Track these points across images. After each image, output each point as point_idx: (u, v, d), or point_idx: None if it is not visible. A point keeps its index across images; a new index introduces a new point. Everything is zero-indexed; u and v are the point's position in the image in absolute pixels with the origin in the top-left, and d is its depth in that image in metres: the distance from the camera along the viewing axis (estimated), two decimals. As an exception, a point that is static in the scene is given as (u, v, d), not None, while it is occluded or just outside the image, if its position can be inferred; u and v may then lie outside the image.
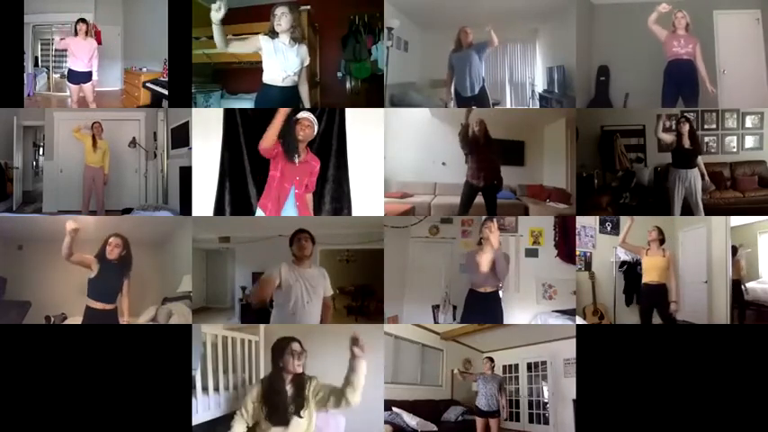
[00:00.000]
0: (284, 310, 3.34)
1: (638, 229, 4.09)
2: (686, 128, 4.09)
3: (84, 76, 4.24)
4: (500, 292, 3.77)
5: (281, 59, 3.64)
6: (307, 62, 3.74)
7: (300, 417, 2.99)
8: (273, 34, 3.63)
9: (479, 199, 4.20)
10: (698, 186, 4.09)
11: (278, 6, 3.63)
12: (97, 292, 3.54)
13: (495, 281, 3.71)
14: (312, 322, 3.40)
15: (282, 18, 3.58)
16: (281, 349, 3.06)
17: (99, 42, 4.38)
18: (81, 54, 4.23)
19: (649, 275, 4.00)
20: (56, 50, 4.42)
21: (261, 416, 3.01)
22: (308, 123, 3.47)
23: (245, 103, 4.33)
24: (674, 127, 4.30)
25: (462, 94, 4.38)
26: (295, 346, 3.05)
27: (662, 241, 3.99)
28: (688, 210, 4.09)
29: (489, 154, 4.16)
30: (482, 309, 3.74)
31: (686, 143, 4.10)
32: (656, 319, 3.97)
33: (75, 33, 4.19)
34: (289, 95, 3.73)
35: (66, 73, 4.31)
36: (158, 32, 3.80)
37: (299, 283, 3.35)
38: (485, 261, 3.67)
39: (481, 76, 4.36)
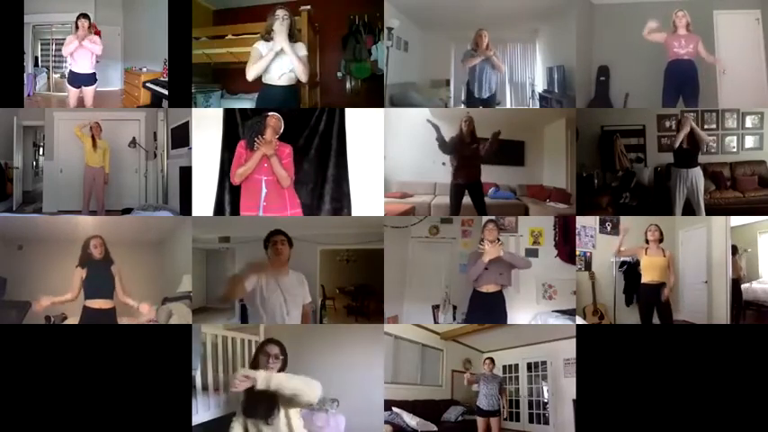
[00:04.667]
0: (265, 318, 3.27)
1: (635, 229, 4.10)
2: (687, 126, 4.09)
3: (86, 79, 4.16)
4: (504, 292, 3.79)
5: (276, 59, 3.70)
6: (302, 53, 3.76)
7: (268, 424, 2.88)
8: (269, 35, 3.72)
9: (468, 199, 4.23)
10: (700, 186, 4.09)
11: (279, 8, 3.72)
12: (93, 290, 3.56)
13: (498, 279, 3.73)
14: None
15: (285, 21, 3.69)
16: (260, 348, 3.09)
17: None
18: (83, 55, 4.15)
19: (649, 275, 3.97)
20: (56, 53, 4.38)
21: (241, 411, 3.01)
22: (274, 115, 3.57)
23: (245, 103, 4.33)
24: (674, 127, 4.31)
25: (475, 95, 4.43)
26: (271, 348, 3.04)
27: (661, 240, 3.97)
28: (688, 210, 4.09)
29: (472, 152, 4.17)
30: (487, 309, 3.76)
31: (685, 143, 4.10)
32: (655, 320, 3.95)
33: (77, 28, 4.08)
34: (288, 95, 3.77)
35: (65, 74, 4.23)
36: (158, 32, 3.80)
37: (276, 294, 3.25)
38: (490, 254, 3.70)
39: (495, 84, 4.43)
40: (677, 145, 4.11)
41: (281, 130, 3.62)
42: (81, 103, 4.19)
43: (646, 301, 4.00)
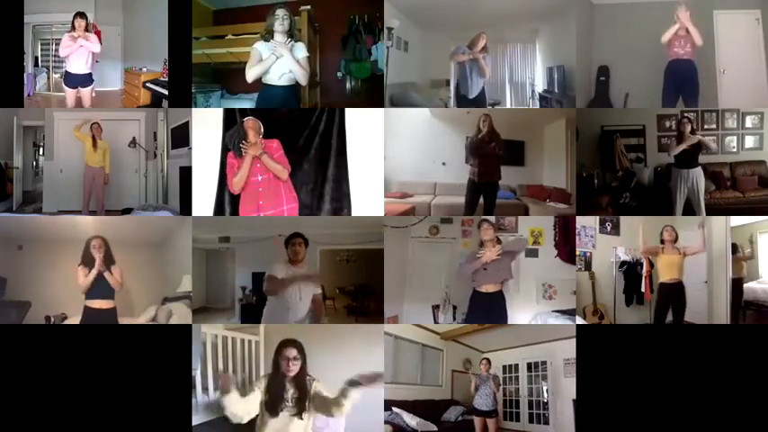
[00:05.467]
0: (280, 304, 3.54)
1: (636, 229, 4.11)
2: (687, 128, 4.09)
3: (82, 79, 4.12)
4: (504, 292, 3.78)
5: (277, 60, 3.71)
6: (302, 55, 3.77)
7: (302, 419, 3.01)
8: (269, 35, 3.73)
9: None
10: (701, 186, 4.10)
11: (279, 8, 3.73)
12: (93, 290, 3.55)
13: (498, 276, 3.72)
14: (302, 316, 3.59)
15: (285, 21, 3.72)
16: (278, 351, 3.09)
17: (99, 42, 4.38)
18: (79, 55, 4.10)
19: (668, 274, 3.97)
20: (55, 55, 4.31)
21: (263, 409, 3.02)
22: (250, 119, 3.60)
23: (245, 103, 4.32)
24: (673, 127, 4.31)
25: (461, 93, 4.41)
26: (289, 351, 3.05)
27: (676, 240, 3.98)
28: (689, 210, 4.09)
29: (492, 150, 4.17)
30: (487, 309, 3.76)
31: (687, 141, 4.09)
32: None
33: (73, 28, 4.04)
34: (288, 94, 3.78)
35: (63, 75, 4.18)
36: (158, 32, 3.80)
37: (294, 282, 3.55)
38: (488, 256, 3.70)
39: (481, 83, 4.40)
40: (676, 153, 4.11)
41: (262, 130, 3.61)
42: (80, 103, 4.17)
43: (663, 300, 3.99)
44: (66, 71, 4.13)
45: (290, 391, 3.03)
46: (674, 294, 3.94)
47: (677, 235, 3.97)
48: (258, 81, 3.75)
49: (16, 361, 3.48)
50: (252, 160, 3.55)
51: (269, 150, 3.60)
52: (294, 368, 3.03)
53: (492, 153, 4.15)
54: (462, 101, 4.41)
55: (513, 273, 3.87)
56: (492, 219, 4.00)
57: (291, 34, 3.76)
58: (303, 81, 3.80)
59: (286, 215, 3.67)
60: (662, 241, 3.98)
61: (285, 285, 3.55)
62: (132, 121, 4.44)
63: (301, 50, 3.78)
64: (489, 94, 4.50)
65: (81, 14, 4.06)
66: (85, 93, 4.14)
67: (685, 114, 4.21)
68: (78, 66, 4.09)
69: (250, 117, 3.62)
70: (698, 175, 4.11)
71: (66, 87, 4.15)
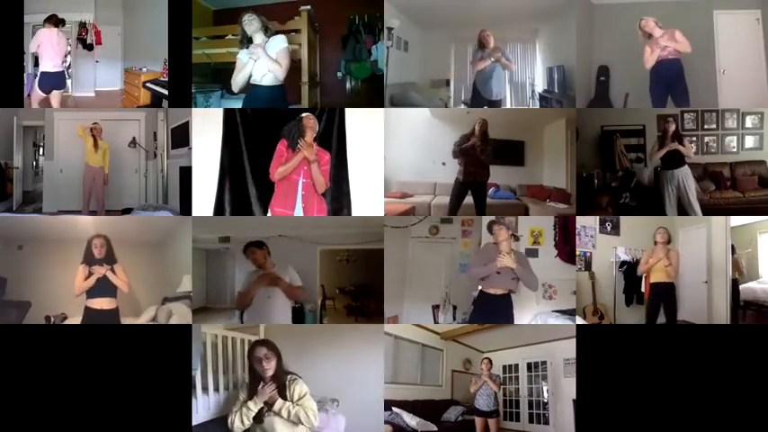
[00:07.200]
0: (255, 310, 3.59)
1: (636, 228, 4.10)
2: (672, 128, 4.08)
3: (55, 80, 4.04)
4: (512, 295, 3.74)
5: (257, 61, 3.74)
6: (280, 47, 3.78)
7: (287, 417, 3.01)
8: (245, 41, 3.78)
9: (469, 199, 4.25)
10: (689, 185, 4.08)
11: (244, 13, 3.78)
12: (94, 290, 3.54)
13: (509, 284, 3.69)
14: (279, 314, 3.58)
15: (252, 22, 3.75)
16: (249, 355, 3.12)
17: (99, 42, 4.38)
18: (51, 51, 4.04)
19: (658, 275, 3.98)
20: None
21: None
22: (309, 116, 3.58)
23: (246, 103, 4.33)
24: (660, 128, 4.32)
25: (485, 97, 4.43)
26: (258, 350, 3.06)
27: (669, 241, 3.97)
28: (684, 210, 4.09)
29: (482, 151, 4.19)
30: (493, 310, 3.72)
31: (668, 143, 4.09)
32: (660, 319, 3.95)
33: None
34: (274, 94, 3.79)
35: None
36: (158, 32, 3.80)
37: (258, 284, 3.56)
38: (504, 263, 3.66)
39: (504, 85, 4.44)
40: (658, 157, 4.11)
41: (317, 129, 3.61)
42: (48, 104, 4.08)
43: (654, 301, 3.99)
44: (40, 71, 4.05)
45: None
46: (665, 295, 3.95)
47: (670, 237, 3.95)
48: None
49: (16, 361, 3.48)
50: (302, 160, 3.53)
51: (319, 159, 3.57)
52: (270, 367, 3.02)
53: (478, 155, 4.17)
54: (482, 102, 4.41)
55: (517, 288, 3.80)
56: (503, 218, 3.98)
57: (266, 30, 3.77)
58: (281, 76, 3.79)
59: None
60: (655, 243, 3.96)
61: (250, 294, 3.54)
62: (132, 121, 4.44)
63: (279, 43, 3.79)
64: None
65: (50, 18, 4.01)
66: (54, 97, 4.08)
67: (670, 115, 4.18)
68: (51, 63, 4.04)
69: (309, 114, 3.60)
70: (685, 174, 4.09)
71: (37, 90, 4.05)
